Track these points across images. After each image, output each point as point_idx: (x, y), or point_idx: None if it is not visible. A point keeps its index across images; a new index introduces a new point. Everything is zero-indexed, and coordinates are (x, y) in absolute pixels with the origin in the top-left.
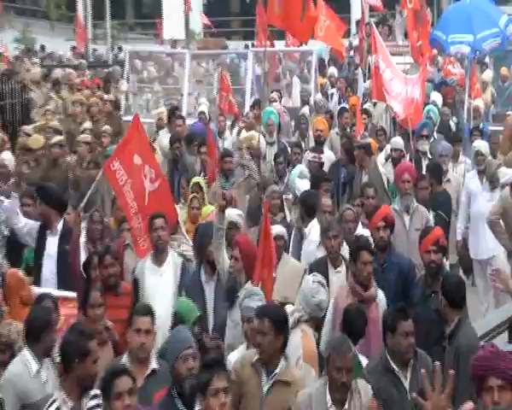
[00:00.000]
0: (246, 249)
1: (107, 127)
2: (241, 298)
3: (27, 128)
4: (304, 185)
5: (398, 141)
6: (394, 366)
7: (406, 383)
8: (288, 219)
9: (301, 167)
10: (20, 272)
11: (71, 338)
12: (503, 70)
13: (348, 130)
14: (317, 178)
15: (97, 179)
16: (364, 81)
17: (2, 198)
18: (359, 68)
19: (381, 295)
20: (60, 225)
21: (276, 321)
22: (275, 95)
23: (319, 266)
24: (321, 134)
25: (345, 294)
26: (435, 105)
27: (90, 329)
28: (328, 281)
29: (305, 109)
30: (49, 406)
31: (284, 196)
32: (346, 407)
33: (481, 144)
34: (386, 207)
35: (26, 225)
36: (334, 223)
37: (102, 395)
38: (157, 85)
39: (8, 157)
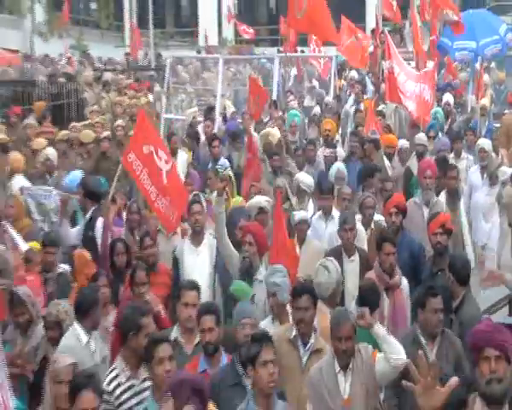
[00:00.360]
0: (257, 235)
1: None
2: (267, 275)
3: (77, 124)
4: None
5: (421, 137)
6: (422, 339)
7: (432, 356)
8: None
9: (338, 165)
10: (86, 253)
11: (127, 314)
12: (500, 74)
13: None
14: (367, 170)
15: (118, 172)
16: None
17: (50, 188)
18: (368, 74)
19: (404, 282)
20: (88, 214)
21: (314, 297)
22: (291, 96)
23: (334, 255)
24: (329, 133)
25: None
26: (448, 105)
27: (145, 306)
28: (342, 269)
29: (317, 109)
30: (110, 373)
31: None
32: (351, 366)
33: (485, 142)
34: (398, 195)
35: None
36: (351, 216)
37: (146, 361)
38: (189, 87)
39: (51, 152)
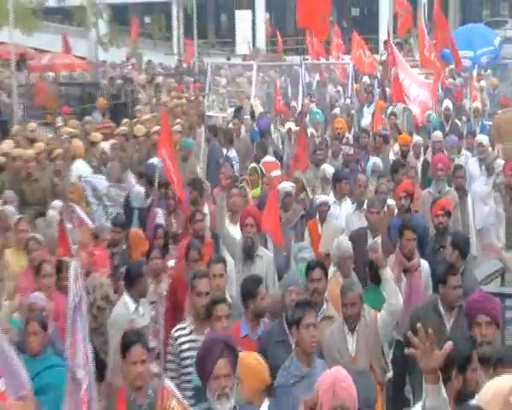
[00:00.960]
0: (256, 217)
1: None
2: (296, 252)
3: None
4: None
5: (438, 134)
6: (442, 310)
7: (449, 325)
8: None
9: (374, 159)
10: (140, 231)
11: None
12: (494, 80)
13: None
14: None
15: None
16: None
17: (103, 177)
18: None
19: (425, 265)
20: (150, 198)
21: (325, 269)
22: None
23: (361, 234)
24: (340, 131)
25: (392, 264)
26: (448, 110)
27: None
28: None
29: (337, 110)
30: (180, 325)
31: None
32: (357, 328)
33: (483, 138)
34: (407, 182)
35: (139, 193)
36: (377, 201)
37: (207, 317)
38: (222, 89)
39: (106, 146)
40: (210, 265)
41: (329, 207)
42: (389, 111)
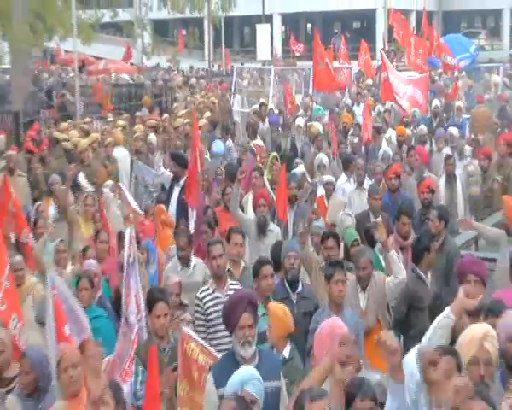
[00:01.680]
0: (266, 198)
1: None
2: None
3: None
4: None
5: (423, 128)
6: (421, 273)
7: (428, 282)
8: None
9: (385, 148)
10: (163, 206)
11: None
12: (469, 82)
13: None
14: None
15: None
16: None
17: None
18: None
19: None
20: (182, 181)
21: (337, 238)
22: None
23: (364, 216)
24: (346, 125)
25: (390, 242)
26: (436, 107)
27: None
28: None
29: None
30: (204, 286)
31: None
32: (368, 288)
33: (454, 130)
34: (396, 165)
35: (164, 175)
36: (377, 187)
37: (253, 276)
38: (244, 89)
39: (153, 137)
40: (231, 234)
41: (334, 185)
42: (377, 109)
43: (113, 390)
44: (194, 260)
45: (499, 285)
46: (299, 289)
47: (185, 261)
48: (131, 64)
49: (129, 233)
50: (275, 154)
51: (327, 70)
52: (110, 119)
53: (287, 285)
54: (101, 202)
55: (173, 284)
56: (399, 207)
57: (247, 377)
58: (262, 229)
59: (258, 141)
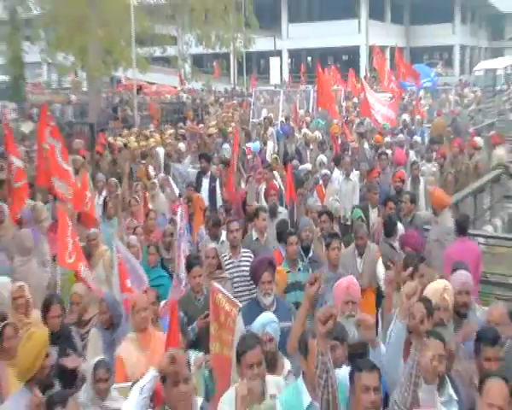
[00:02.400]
0: (275, 189)
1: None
2: (312, 202)
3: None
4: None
5: (401, 136)
6: (392, 242)
7: (397, 249)
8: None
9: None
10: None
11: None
12: (430, 100)
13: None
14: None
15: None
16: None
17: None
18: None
19: (401, 226)
20: (208, 173)
21: (331, 215)
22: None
23: (364, 207)
24: (336, 134)
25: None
26: (405, 120)
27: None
28: (368, 215)
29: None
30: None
31: None
32: (364, 255)
33: (418, 138)
34: (402, 172)
35: (190, 172)
36: (375, 184)
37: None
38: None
39: (182, 145)
40: (259, 212)
41: (329, 177)
42: (357, 122)
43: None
44: (223, 235)
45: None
46: (311, 254)
47: (214, 237)
48: (175, 88)
49: (180, 213)
50: (276, 155)
51: (329, 93)
52: (152, 129)
53: (301, 251)
54: (144, 192)
55: (209, 249)
56: (385, 196)
57: (266, 321)
58: (273, 212)
59: (249, 143)
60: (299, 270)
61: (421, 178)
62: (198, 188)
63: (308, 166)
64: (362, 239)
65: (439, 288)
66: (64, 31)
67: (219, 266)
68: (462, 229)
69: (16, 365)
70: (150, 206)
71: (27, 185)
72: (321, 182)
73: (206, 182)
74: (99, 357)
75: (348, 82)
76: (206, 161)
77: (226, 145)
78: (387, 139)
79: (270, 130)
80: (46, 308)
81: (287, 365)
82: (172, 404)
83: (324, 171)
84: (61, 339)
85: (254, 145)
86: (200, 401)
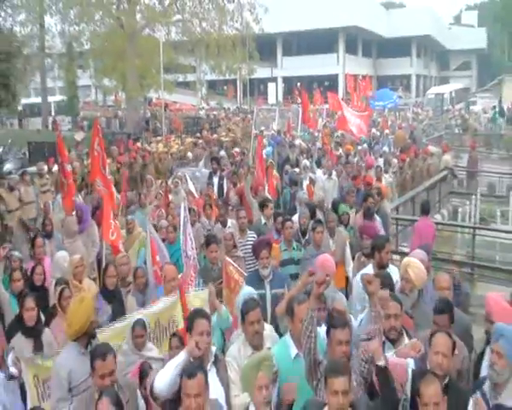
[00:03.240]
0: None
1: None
2: (300, 197)
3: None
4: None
5: (365, 146)
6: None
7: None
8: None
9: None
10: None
11: None
12: (392, 118)
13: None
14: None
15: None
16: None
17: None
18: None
19: (377, 218)
20: (218, 173)
21: (314, 210)
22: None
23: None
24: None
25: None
26: (374, 133)
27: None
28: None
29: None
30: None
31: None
32: (335, 236)
33: (386, 148)
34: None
35: (203, 172)
36: (353, 188)
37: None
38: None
39: (190, 154)
40: (266, 202)
41: (315, 178)
42: (336, 134)
43: None
44: (229, 222)
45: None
46: (307, 237)
47: (223, 224)
48: (194, 106)
49: (184, 205)
50: (271, 160)
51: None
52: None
53: (300, 234)
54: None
55: (227, 233)
56: (365, 193)
57: (248, 294)
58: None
59: (236, 149)
60: (294, 249)
61: (384, 179)
62: (209, 185)
63: (296, 169)
64: (331, 223)
65: (404, 263)
66: (108, 61)
67: (235, 246)
68: (424, 210)
69: (67, 323)
70: (170, 197)
71: (75, 183)
72: (308, 182)
73: (215, 180)
74: (137, 317)
75: (329, 102)
76: (216, 164)
77: (222, 152)
78: (360, 148)
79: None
80: (105, 270)
81: (266, 343)
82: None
83: (311, 174)
84: (116, 298)
85: (267, 151)
86: (214, 348)
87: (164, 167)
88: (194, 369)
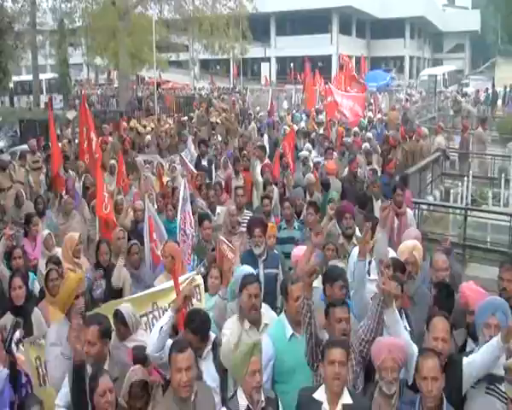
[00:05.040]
0: (269, 167)
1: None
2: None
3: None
4: None
5: (369, 135)
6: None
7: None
8: None
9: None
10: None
11: None
12: (386, 98)
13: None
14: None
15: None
16: None
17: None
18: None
19: (409, 211)
20: (206, 156)
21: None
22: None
23: (367, 198)
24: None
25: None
26: (370, 117)
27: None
28: (373, 206)
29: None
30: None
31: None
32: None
33: (369, 134)
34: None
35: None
36: (377, 176)
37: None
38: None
39: (148, 137)
40: (267, 186)
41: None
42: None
43: None
44: (218, 209)
45: None
46: (302, 217)
47: (213, 211)
48: (187, 85)
49: (183, 184)
50: (260, 143)
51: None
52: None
53: (295, 215)
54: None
55: (231, 209)
56: (393, 183)
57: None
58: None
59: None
60: (295, 228)
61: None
62: (197, 168)
63: (305, 153)
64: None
65: (409, 246)
66: (100, 38)
67: (239, 223)
68: (404, 183)
69: (57, 300)
70: (166, 179)
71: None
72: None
73: (204, 162)
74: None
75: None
76: (204, 146)
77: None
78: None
79: (252, 125)
80: (97, 248)
81: (264, 319)
82: None
83: (316, 159)
84: (109, 275)
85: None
86: (213, 335)
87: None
88: (183, 343)
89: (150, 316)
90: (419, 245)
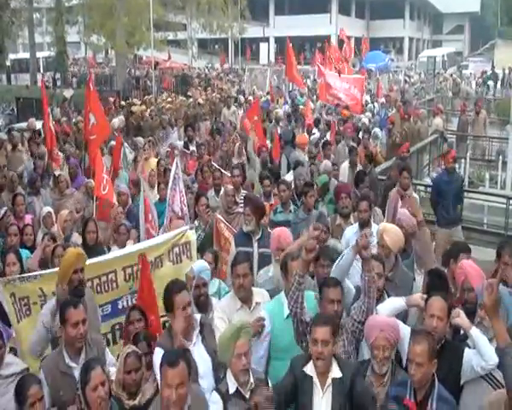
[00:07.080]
0: (266, 147)
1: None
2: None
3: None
4: None
5: (364, 121)
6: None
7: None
8: None
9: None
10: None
11: None
12: (385, 78)
13: None
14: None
15: None
16: None
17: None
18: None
19: (415, 194)
20: (194, 141)
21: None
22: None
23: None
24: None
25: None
26: (367, 101)
27: None
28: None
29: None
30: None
31: None
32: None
33: (364, 119)
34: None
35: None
36: (375, 173)
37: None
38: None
39: (115, 121)
40: (263, 175)
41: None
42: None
43: None
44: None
45: None
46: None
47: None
48: (185, 64)
49: (176, 162)
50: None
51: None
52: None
53: (296, 196)
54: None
55: (229, 189)
56: (403, 166)
57: (202, 268)
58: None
59: None
60: (291, 212)
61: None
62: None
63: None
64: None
65: (379, 229)
66: (97, 17)
67: (236, 202)
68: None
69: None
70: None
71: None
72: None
73: (193, 147)
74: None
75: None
76: (191, 131)
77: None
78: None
79: (233, 108)
80: (84, 226)
81: (255, 298)
82: None
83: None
84: (97, 253)
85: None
86: (198, 316)
87: (145, 126)
88: (176, 356)
89: (135, 268)
90: (391, 228)
